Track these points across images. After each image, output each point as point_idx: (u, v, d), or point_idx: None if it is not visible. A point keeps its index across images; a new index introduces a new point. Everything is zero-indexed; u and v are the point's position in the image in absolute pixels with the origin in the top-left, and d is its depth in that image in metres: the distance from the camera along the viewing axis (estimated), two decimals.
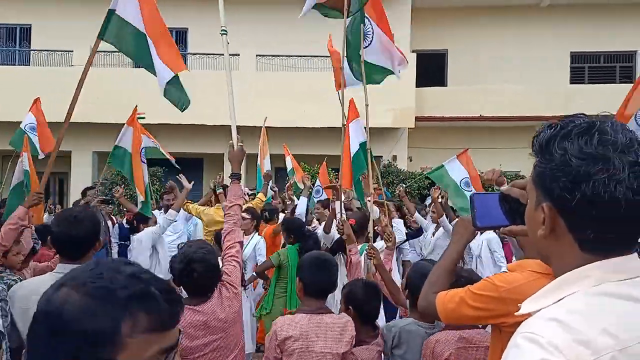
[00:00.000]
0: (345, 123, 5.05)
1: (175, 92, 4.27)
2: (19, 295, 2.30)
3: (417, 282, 2.33)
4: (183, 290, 2.52)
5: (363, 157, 5.30)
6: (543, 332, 0.81)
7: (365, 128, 4.69)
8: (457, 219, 1.84)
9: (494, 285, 1.70)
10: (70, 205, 10.14)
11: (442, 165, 7.37)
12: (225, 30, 3.46)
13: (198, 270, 2.41)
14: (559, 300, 0.87)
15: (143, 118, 10.18)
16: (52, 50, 13.26)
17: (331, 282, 2.64)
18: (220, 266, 2.62)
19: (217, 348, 2.41)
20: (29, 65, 14.15)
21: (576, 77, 15.59)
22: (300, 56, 13.92)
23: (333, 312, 2.62)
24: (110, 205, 8.87)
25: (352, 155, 5.43)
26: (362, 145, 5.40)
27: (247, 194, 9.69)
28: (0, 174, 11.51)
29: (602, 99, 14.01)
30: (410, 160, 14.74)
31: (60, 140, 3.75)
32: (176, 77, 4.28)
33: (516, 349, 0.83)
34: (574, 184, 0.86)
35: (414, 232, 6.92)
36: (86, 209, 3.10)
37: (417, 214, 6.80)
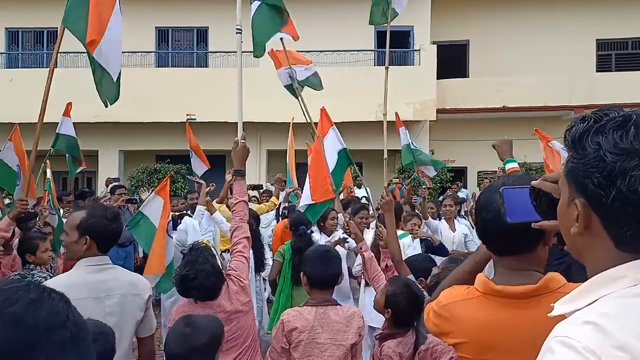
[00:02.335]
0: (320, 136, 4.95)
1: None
2: (59, 288, 2.36)
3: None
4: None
5: (345, 163, 5.18)
6: (578, 337, 0.79)
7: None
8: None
9: (438, 299, 1.56)
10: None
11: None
12: (240, 29, 3.50)
13: (199, 289, 2.53)
14: (593, 302, 0.84)
15: (194, 119, 10.42)
16: (78, 52, 13.53)
17: (334, 274, 2.67)
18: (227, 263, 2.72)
19: (228, 340, 2.45)
20: (56, 67, 14.45)
21: (603, 64, 15.23)
22: (322, 51, 13.90)
23: (339, 304, 2.67)
24: (135, 204, 9.05)
25: (332, 169, 5.12)
26: (341, 152, 5.22)
27: (264, 189, 9.73)
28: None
29: (630, 87, 13.70)
30: (432, 153, 14.61)
31: (36, 142, 3.73)
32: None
33: (551, 355, 0.80)
34: (609, 181, 0.83)
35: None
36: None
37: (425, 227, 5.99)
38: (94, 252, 2.35)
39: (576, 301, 0.87)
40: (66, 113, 5.89)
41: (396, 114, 6.53)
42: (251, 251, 4.78)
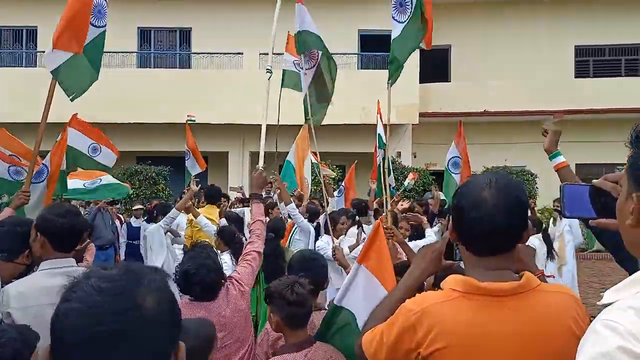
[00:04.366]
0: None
1: (71, 74, 3.77)
2: (15, 292, 2.27)
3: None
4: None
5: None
6: (622, 320, 0.83)
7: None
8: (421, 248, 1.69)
9: (405, 309, 1.38)
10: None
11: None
12: (271, 70, 3.75)
13: (201, 284, 2.51)
14: None
15: (193, 121, 10.34)
16: None
17: (319, 279, 2.67)
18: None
19: (222, 347, 2.41)
20: (35, 66, 14.24)
21: (581, 70, 15.52)
22: None
23: (325, 308, 2.66)
24: (117, 205, 8.95)
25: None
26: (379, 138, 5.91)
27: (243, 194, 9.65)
28: None
29: (607, 93, 14.00)
30: (415, 157, 14.73)
31: (39, 142, 3.70)
32: (81, 57, 3.79)
33: (595, 335, 0.85)
34: None
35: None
36: (68, 202, 3.20)
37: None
38: (51, 252, 2.33)
39: (625, 290, 0.91)
40: (70, 124, 5.45)
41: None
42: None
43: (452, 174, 6.93)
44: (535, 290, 1.35)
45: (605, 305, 0.90)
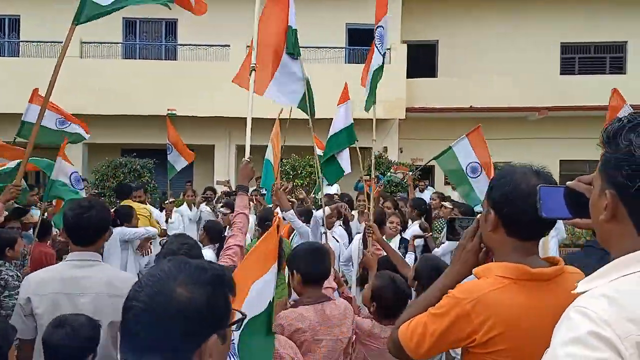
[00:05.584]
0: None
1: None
2: (38, 279, 2.39)
3: (426, 274, 2.53)
4: None
5: (346, 139, 5.73)
6: (594, 307, 0.88)
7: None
8: (457, 244, 1.67)
9: (455, 299, 1.43)
10: None
11: (450, 148, 6.93)
12: (254, 68, 3.71)
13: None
14: (614, 280, 0.93)
15: (174, 114, 10.22)
16: (42, 42, 13.10)
17: (326, 269, 2.70)
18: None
19: None
20: (19, 56, 13.97)
21: (567, 67, 15.68)
22: None
23: (332, 299, 2.69)
24: (102, 198, 8.85)
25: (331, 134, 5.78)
26: (348, 128, 5.84)
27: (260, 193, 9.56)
28: None
29: (592, 90, 14.14)
30: (401, 152, 14.77)
31: (34, 134, 3.67)
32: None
33: (568, 321, 0.90)
34: (636, 173, 0.94)
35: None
36: (97, 197, 3.24)
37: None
38: (72, 245, 2.45)
39: (599, 279, 0.96)
40: (32, 100, 5.56)
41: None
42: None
43: (472, 178, 6.67)
44: (565, 272, 1.49)
45: (580, 295, 0.95)
